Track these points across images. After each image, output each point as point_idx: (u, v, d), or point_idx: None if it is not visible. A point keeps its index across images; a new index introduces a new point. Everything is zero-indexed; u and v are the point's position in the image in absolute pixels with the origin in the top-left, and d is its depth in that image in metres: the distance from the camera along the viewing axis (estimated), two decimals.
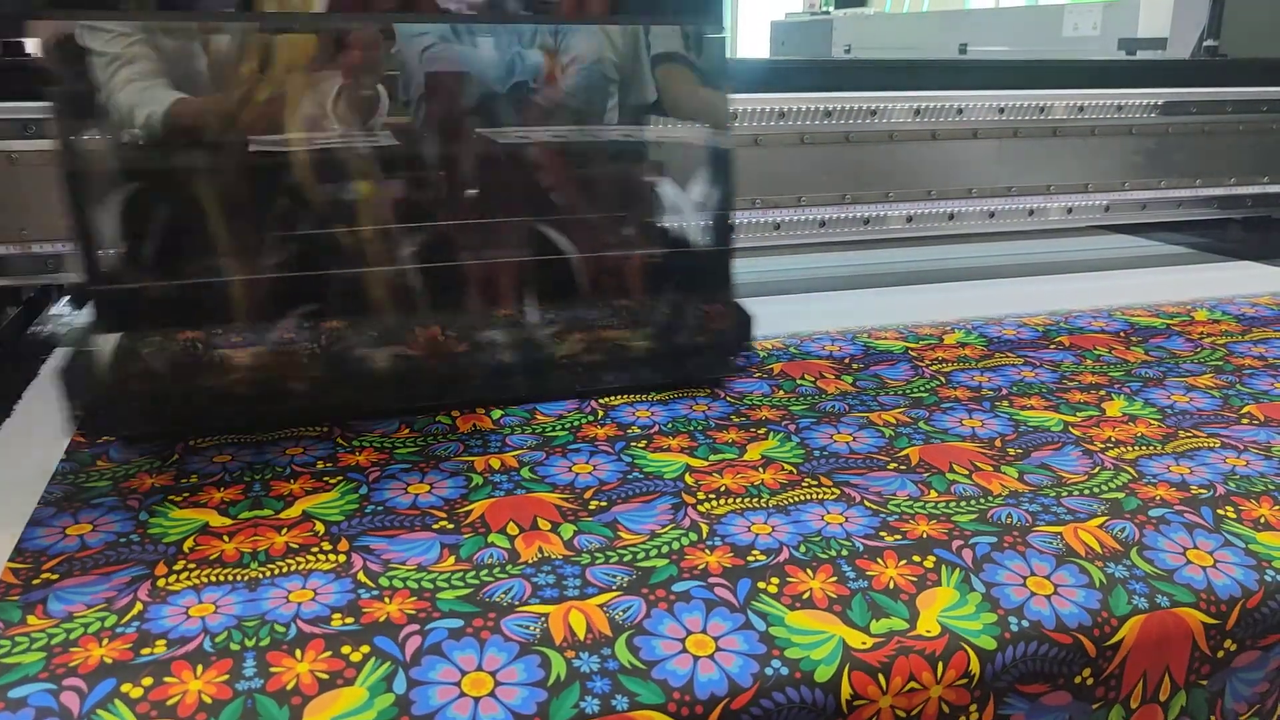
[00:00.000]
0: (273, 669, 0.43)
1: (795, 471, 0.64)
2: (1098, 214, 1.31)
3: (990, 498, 0.60)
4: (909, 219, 1.22)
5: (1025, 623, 0.49)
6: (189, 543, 0.55)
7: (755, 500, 0.60)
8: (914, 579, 0.51)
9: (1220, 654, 0.52)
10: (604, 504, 0.59)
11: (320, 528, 0.56)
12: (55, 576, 0.51)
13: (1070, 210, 1.30)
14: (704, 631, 0.47)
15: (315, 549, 0.54)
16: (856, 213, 1.19)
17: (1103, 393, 0.77)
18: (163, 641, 0.45)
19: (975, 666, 0.47)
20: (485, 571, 0.52)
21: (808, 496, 0.60)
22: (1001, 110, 1.23)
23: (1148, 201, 1.33)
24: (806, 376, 0.81)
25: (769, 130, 1.13)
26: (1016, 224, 1.27)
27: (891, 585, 0.51)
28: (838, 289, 1.15)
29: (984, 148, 1.24)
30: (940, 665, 0.46)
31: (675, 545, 0.54)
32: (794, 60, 1.49)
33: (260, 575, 0.51)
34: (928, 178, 1.22)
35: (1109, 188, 1.31)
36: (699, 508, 0.59)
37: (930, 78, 1.25)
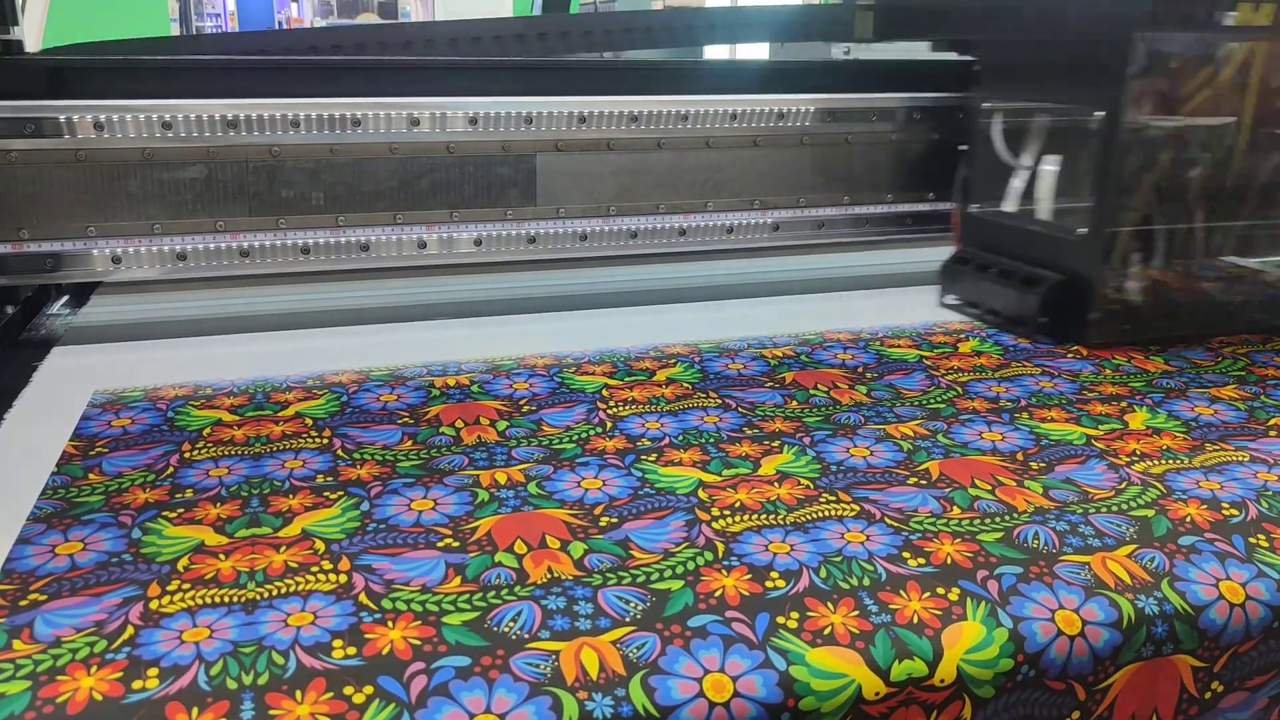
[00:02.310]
0: (272, 711, 0.41)
1: (812, 486, 0.61)
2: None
3: (1015, 514, 0.58)
4: None
5: (1034, 672, 0.48)
6: (183, 561, 0.52)
7: (772, 517, 0.58)
8: (939, 613, 0.49)
9: (1207, 695, 0.51)
10: (615, 520, 0.57)
11: (320, 546, 0.54)
12: (43, 598, 0.49)
13: None
14: (722, 670, 0.44)
15: (315, 568, 0.52)
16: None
17: (1124, 404, 0.75)
18: (154, 671, 0.43)
19: (968, 713, 0.46)
20: (493, 594, 0.50)
21: (826, 513, 0.58)
22: None
23: None
24: (819, 386, 0.79)
25: (768, 131, 1.12)
26: None
27: (915, 620, 0.48)
28: None
29: None
30: (935, 713, 0.46)
31: (690, 565, 0.52)
32: (794, 62, 1.48)
33: (258, 596, 0.49)
34: None
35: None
36: (714, 524, 0.57)
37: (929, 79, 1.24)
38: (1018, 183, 1.01)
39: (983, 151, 1.04)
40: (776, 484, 0.62)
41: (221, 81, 1.00)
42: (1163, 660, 0.50)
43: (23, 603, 0.49)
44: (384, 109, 1.00)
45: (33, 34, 1.18)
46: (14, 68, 0.96)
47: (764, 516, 0.58)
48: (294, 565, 0.52)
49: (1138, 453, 0.67)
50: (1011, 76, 1.02)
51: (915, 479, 0.63)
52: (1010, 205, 1.01)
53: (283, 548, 0.54)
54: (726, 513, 0.58)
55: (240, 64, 1.07)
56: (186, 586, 0.50)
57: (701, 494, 0.61)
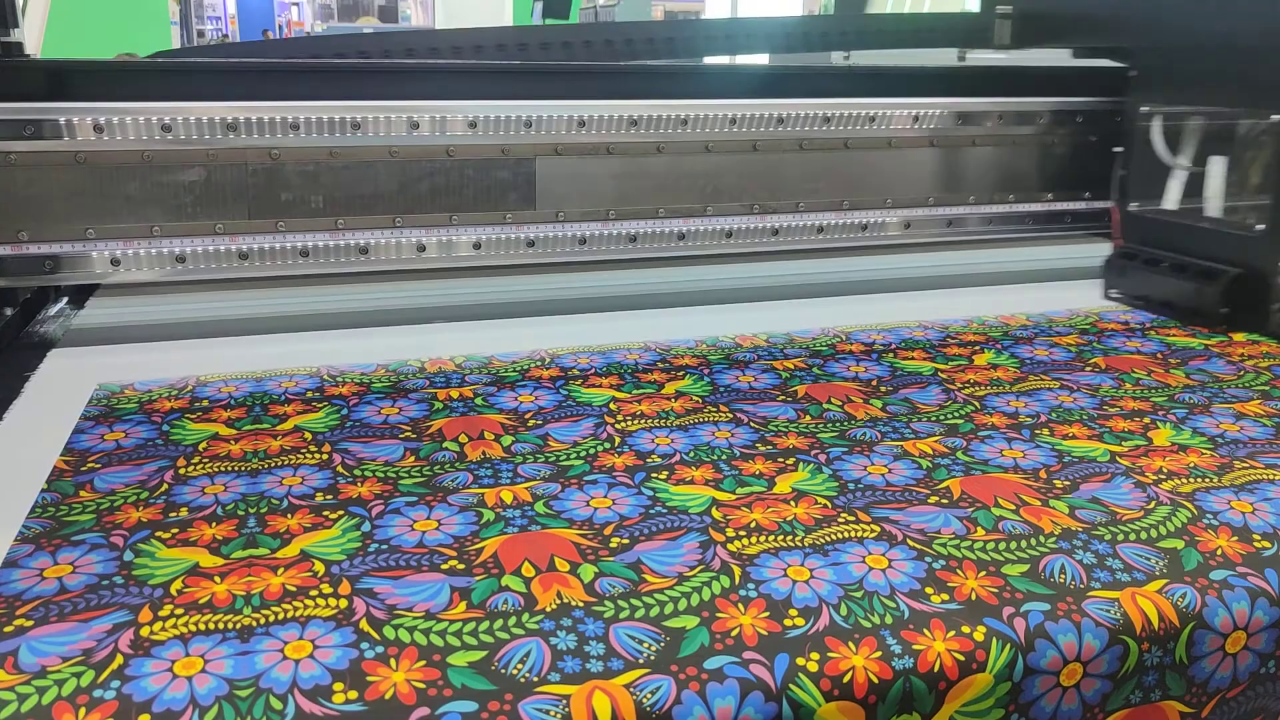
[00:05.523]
0: None
1: (830, 506, 0.59)
2: None
3: (1042, 538, 0.56)
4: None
5: None
6: (176, 584, 0.50)
7: (789, 539, 0.55)
8: (961, 657, 0.47)
9: None
10: (626, 541, 0.55)
11: (320, 568, 0.52)
12: (29, 624, 0.47)
13: None
14: None
15: (314, 592, 0.50)
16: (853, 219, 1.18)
17: (1147, 420, 0.73)
18: (146, 718, 0.41)
19: None
20: (499, 624, 0.47)
21: (846, 534, 0.56)
22: None
23: None
24: (833, 400, 0.76)
25: (768, 135, 1.11)
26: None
27: (936, 668, 0.46)
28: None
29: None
30: None
31: (705, 594, 0.50)
32: (793, 66, 1.47)
33: (254, 622, 0.47)
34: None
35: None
36: (729, 546, 0.55)
37: (929, 83, 1.22)
38: (1176, 182, 1.05)
39: (1140, 153, 1.08)
40: (793, 503, 0.60)
41: (220, 84, 0.98)
42: (1150, 707, 0.49)
43: (8, 629, 0.46)
44: (384, 112, 0.98)
45: (33, 36, 1.16)
46: (14, 70, 0.94)
47: (781, 538, 0.56)
48: (292, 589, 0.50)
49: (1164, 470, 0.65)
50: (1173, 81, 1.06)
51: (936, 498, 0.61)
52: (1170, 203, 1.05)
53: (280, 570, 0.52)
54: (742, 533, 0.56)
55: (239, 66, 1.05)
56: (179, 611, 0.48)
57: (715, 513, 0.58)
